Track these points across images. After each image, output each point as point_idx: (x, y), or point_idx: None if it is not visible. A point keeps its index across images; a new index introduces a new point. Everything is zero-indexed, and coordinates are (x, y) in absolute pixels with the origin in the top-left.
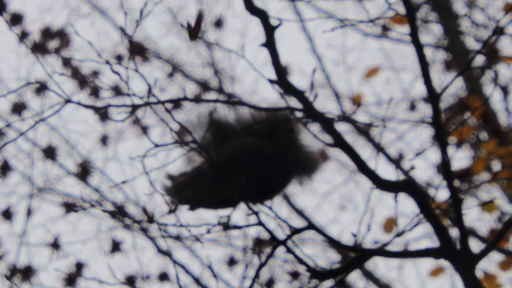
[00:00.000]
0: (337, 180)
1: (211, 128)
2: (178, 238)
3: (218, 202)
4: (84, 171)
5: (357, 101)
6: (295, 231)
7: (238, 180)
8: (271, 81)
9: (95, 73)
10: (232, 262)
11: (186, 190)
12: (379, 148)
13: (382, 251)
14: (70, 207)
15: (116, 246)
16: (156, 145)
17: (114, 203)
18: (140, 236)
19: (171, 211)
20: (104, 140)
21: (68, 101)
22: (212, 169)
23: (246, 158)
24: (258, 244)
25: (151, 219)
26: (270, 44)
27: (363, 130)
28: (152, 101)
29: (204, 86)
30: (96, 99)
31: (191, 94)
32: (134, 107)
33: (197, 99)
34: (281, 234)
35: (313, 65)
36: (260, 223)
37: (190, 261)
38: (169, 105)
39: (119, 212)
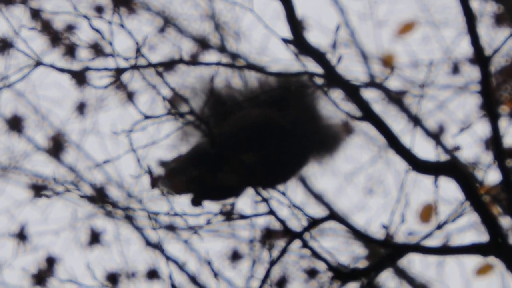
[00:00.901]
0: (364, 159)
1: (212, 97)
2: (171, 228)
3: (220, 189)
4: (56, 146)
5: (388, 63)
6: (313, 221)
7: (244, 160)
8: (285, 40)
9: (71, 28)
10: (236, 257)
11: (181, 178)
12: (415, 120)
13: (418, 246)
14: (39, 190)
15: (95, 238)
16: (145, 117)
17: (93, 186)
18: (125, 226)
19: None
20: (81, 109)
21: (38, 63)
22: (213, 146)
23: (254, 133)
24: (269, 237)
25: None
26: None
27: (396, 99)
28: (140, 63)
29: (203, 44)
30: (72, 60)
31: (187, 54)
32: (119, 71)
33: (194, 61)
34: (296, 225)
35: (336, 19)
36: (271, 212)
37: (185, 256)
38: (160, 68)
39: (99, 196)
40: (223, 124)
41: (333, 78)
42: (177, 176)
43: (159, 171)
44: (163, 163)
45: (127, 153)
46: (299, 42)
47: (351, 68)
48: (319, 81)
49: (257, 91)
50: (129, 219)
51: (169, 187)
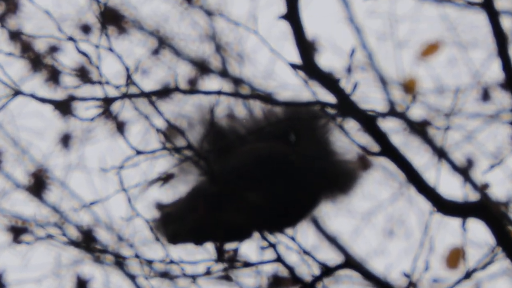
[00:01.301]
0: (383, 197)
1: (212, 130)
2: (166, 276)
3: (222, 234)
4: (38, 184)
5: (410, 89)
6: (326, 269)
7: (249, 200)
8: (294, 65)
9: (54, 51)
10: None
11: (178, 223)
12: (440, 154)
13: None
14: (19, 233)
15: (81, 286)
16: (137, 152)
17: (79, 228)
18: (115, 273)
19: (159, 241)
20: (65, 141)
21: (17, 92)
22: (213, 185)
23: (259, 169)
24: (276, 286)
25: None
26: (292, 15)
27: (419, 129)
28: (132, 92)
29: (202, 67)
30: (55, 86)
31: (184, 79)
32: (107, 100)
33: (192, 89)
34: (307, 273)
35: (352, 40)
36: (279, 259)
37: None
38: (154, 97)
39: (86, 240)
40: (225, 159)
41: (347, 108)
42: (172, 225)
43: (155, 214)
44: (160, 206)
45: (117, 192)
46: (309, 67)
47: (369, 95)
48: (331, 111)
49: (263, 122)
50: (120, 265)
51: (164, 235)
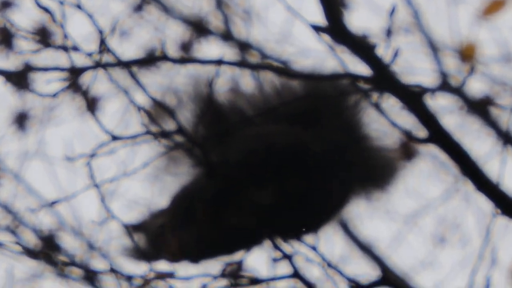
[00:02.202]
0: (432, 195)
1: (210, 109)
2: None
3: (223, 241)
4: None
5: (468, 57)
6: (358, 287)
7: (258, 199)
8: (317, 28)
9: (6, 7)
10: None
11: (174, 240)
12: (506, 139)
13: None
14: None
15: None
16: (113, 137)
17: (38, 233)
18: None
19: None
20: (21, 123)
21: None
22: (211, 179)
23: (271, 160)
24: None
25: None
26: None
27: (480, 108)
28: (107, 61)
29: (199, 28)
30: (7, 52)
31: (175, 43)
32: (75, 71)
33: (185, 57)
34: None
35: None
36: (296, 274)
37: None
38: (136, 67)
39: (46, 249)
40: (226, 147)
41: (385, 81)
42: (168, 240)
43: (132, 238)
44: (135, 228)
45: (87, 188)
46: (336, 29)
47: (414, 65)
48: (365, 85)
49: (276, 100)
50: (90, 281)
51: (158, 255)
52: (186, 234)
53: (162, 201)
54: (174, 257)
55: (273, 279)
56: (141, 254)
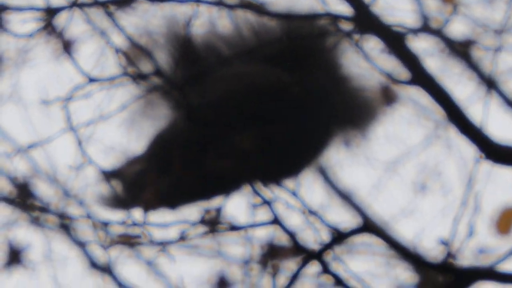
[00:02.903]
0: (413, 140)
1: (187, 50)
2: (128, 244)
3: (201, 186)
4: None
5: None
6: (338, 235)
7: (237, 142)
8: None
9: None
10: (223, 285)
11: (150, 188)
12: (489, 83)
13: (493, 272)
14: None
15: (15, 256)
16: (90, 79)
17: (12, 180)
18: (60, 239)
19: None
20: None
21: None
22: (189, 122)
23: (251, 102)
24: (272, 256)
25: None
26: None
27: (461, 50)
28: (83, 1)
29: None
30: None
31: None
32: (50, 11)
33: None
34: (313, 240)
35: None
36: (275, 221)
37: (148, 284)
38: (112, 7)
39: (21, 196)
40: (204, 89)
41: (367, 22)
42: (145, 186)
43: (108, 184)
44: (111, 174)
45: (62, 132)
46: None
47: (395, 5)
48: (346, 26)
49: (254, 40)
50: (66, 229)
51: (134, 203)
52: (163, 180)
53: (139, 146)
54: (151, 204)
55: (253, 225)
56: (117, 201)
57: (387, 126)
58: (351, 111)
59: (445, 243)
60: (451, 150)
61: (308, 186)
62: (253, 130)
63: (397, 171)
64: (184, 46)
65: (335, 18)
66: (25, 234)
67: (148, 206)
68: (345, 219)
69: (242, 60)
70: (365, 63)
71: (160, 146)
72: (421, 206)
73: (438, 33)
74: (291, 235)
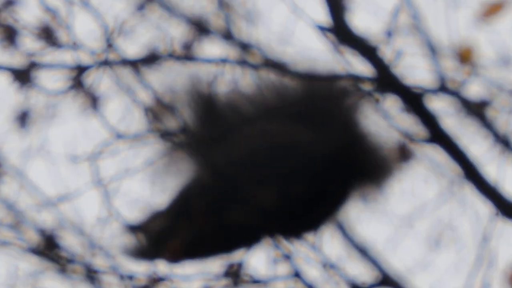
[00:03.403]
0: (429, 197)
1: (211, 109)
2: None
3: (226, 241)
4: None
5: (467, 60)
6: None
7: (259, 198)
8: (321, 28)
9: (10, 5)
10: None
11: (175, 241)
12: (504, 142)
13: None
14: None
15: None
16: (117, 135)
17: (40, 231)
18: None
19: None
20: (23, 120)
21: None
22: (214, 179)
23: (273, 159)
24: None
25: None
26: None
27: (478, 111)
28: (111, 59)
29: (200, 28)
30: (12, 49)
31: (177, 43)
32: (80, 69)
33: (188, 56)
34: None
35: None
36: (296, 274)
37: None
38: (140, 66)
39: (48, 247)
40: (227, 147)
41: (387, 82)
42: (169, 240)
43: (133, 237)
44: (136, 228)
45: (90, 186)
46: (340, 29)
47: (414, 67)
48: (367, 86)
49: (277, 99)
50: (91, 280)
51: (159, 255)
52: (187, 233)
53: (163, 200)
54: (175, 257)
55: (274, 279)
56: (142, 253)
57: (403, 182)
58: (369, 168)
59: None
60: (465, 207)
61: (327, 240)
62: (275, 187)
63: (413, 226)
64: (207, 104)
65: (357, 79)
66: (52, 284)
67: (172, 258)
68: (362, 272)
69: (265, 119)
70: (384, 121)
71: (184, 201)
72: (436, 260)
73: (454, 93)
74: None
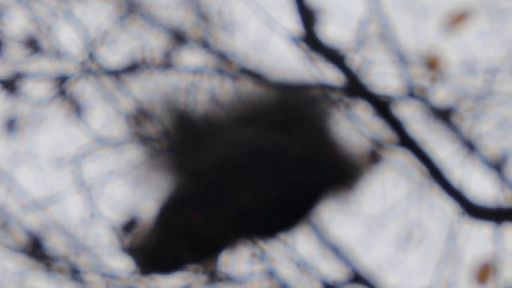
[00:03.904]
0: (397, 198)
1: (187, 117)
2: None
3: (201, 243)
4: None
5: (433, 67)
6: (330, 286)
7: (236, 199)
8: (294, 38)
9: None
10: None
11: (155, 244)
12: (469, 146)
13: None
14: None
15: None
16: (100, 140)
17: (27, 232)
18: (71, 286)
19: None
20: (10, 127)
21: None
22: (192, 184)
23: (248, 162)
24: None
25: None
26: None
27: (444, 116)
28: (93, 68)
29: (179, 38)
30: None
31: (156, 51)
32: (63, 78)
33: (167, 65)
34: None
35: (363, 7)
36: (271, 273)
37: None
38: (121, 75)
39: (34, 247)
40: (204, 151)
41: (356, 90)
42: (155, 253)
43: (124, 237)
44: (127, 229)
45: (74, 189)
46: (311, 39)
47: (383, 74)
48: (337, 94)
49: (254, 107)
50: (75, 278)
51: (147, 268)
52: (174, 244)
53: (144, 204)
54: (164, 270)
55: (248, 277)
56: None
57: (374, 184)
58: (341, 171)
59: None
60: (433, 208)
61: (301, 240)
62: (250, 187)
63: (383, 226)
64: (184, 112)
65: (327, 88)
66: (38, 283)
67: (161, 271)
68: (335, 271)
69: (241, 126)
70: (354, 127)
71: (167, 213)
72: (405, 259)
73: (422, 99)
74: (285, 286)
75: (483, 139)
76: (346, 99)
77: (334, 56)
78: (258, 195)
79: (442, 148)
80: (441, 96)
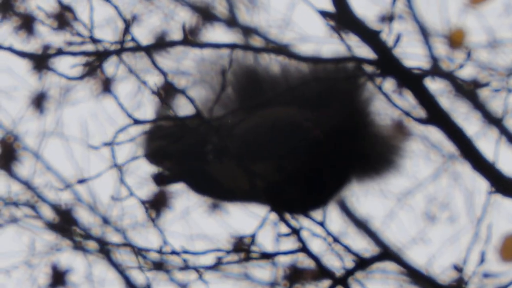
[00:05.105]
0: (424, 174)
1: (223, 92)
2: (163, 268)
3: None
4: (7, 154)
5: (458, 43)
6: (361, 262)
7: (263, 171)
8: (324, 13)
9: None
10: None
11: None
12: (495, 122)
13: None
14: None
15: (58, 278)
16: (136, 121)
17: (56, 208)
18: (101, 262)
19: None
20: (39, 102)
21: None
22: (220, 159)
23: (278, 140)
24: (297, 279)
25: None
26: None
27: (469, 91)
28: (126, 46)
29: (205, 14)
30: (29, 36)
31: (186, 28)
32: (95, 55)
33: (200, 42)
34: (336, 266)
35: None
36: (303, 249)
37: None
38: (152, 51)
39: (64, 223)
40: (233, 127)
41: (389, 65)
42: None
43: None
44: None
45: (107, 168)
46: (342, 15)
47: (407, 50)
48: (370, 69)
49: (282, 83)
50: (106, 254)
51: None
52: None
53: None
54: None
55: (282, 253)
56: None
57: (402, 161)
58: (370, 148)
59: (459, 269)
60: (459, 182)
61: (331, 216)
62: (280, 163)
63: (409, 202)
64: (221, 86)
65: (360, 61)
66: (68, 258)
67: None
68: (363, 246)
69: (273, 101)
70: (385, 102)
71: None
72: (431, 234)
73: (447, 75)
74: (318, 261)
75: (510, 114)
76: (379, 75)
77: (366, 32)
78: (288, 171)
79: (468, 123)
80: (466, 72)
